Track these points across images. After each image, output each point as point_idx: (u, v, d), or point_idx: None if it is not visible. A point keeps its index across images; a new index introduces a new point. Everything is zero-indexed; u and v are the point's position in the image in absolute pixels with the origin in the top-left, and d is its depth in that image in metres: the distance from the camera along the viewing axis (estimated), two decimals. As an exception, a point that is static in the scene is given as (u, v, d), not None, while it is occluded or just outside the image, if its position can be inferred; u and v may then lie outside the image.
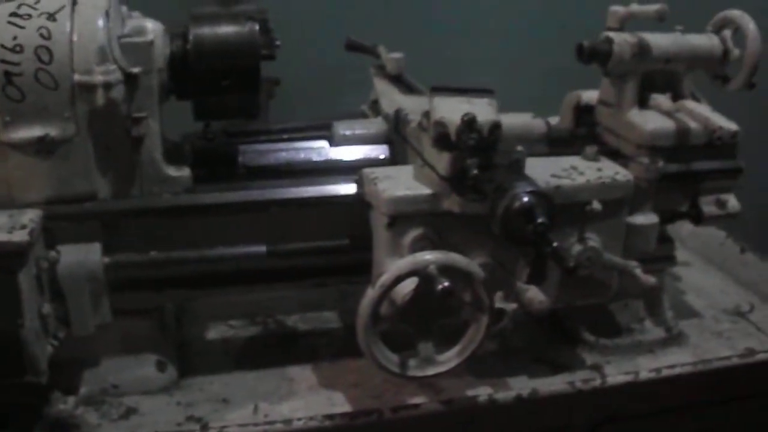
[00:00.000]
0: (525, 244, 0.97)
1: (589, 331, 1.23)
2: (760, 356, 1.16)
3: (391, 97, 1.23)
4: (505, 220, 0.95)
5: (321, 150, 1.18)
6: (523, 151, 1.03)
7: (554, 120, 1.32)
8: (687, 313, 1.31)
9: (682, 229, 1.52)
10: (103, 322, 1.04)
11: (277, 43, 1.07)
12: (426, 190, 1.01)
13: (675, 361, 1.17)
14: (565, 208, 1.05)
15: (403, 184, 1.02)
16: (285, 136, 1.20)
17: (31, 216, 0.96)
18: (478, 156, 0.96)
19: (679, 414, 1.18)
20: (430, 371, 0.99)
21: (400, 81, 1.28)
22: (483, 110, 0.99)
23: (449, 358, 1.00)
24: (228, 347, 1.20)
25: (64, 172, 0.99)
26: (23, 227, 0.93)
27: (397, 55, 1.29)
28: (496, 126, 0.97)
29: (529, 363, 1.18)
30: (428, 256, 0.94)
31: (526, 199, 0.94)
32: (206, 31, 1.02)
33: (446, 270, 0.94)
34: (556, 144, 1.25)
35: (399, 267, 0.93)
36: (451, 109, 0.99)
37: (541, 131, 1.27)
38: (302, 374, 1.14)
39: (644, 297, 1.26)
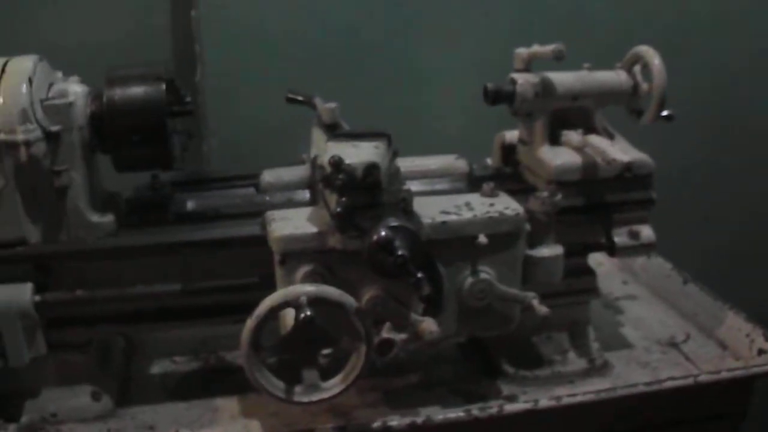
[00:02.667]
0: (392, 277, 1.03)
1: (510, 363, 1.26)
2: (668, 384, 1.17)
3: (319, 145, 1.31)
4: (369, 253, 1.02)
5: (247, 196, 1.27)
6: (409, 190, 1.10)
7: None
8: (619, 344, 1.33)
9: (635, 263, 1.55)
10: (38, 355, 1.15)
11: (188, 100, 1.18)
12: (313, 229, 1.08)
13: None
14: (455, 243, 1.11)
15: (294, 224, 1.10)
16: (219, 185, 1.30)
17: (-36, 260, 1.09)
18: (353, 195, 1.03)
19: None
20: (316, 397, 1.05)
21: (333, 129, 1.36)
22: (363, 153, 1.07)
23: (333, 385, 1.06)
24: (167, 380, 1.30)
25: (-4, 220, 1.12)
26: (-45, 269, 1.06)
27: (331, 105, 1.36)
28: (372, 167, 1.04)
29: (446, 394, 1.22)
30: (300, 289, 1.01)
31: (383, 233, 1.00)
32: (117, 92, 1.14)
33: (318, 301, 1.01)
34: (477, 182, 1.30)
35: (273, 299, 1.01)
36: (334, 153, 1.06)
37: (464, 171, 1.32)
38: (227, 405, 1.22)
39: (568, 329, 1.29)
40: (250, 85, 1.59)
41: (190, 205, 1.26)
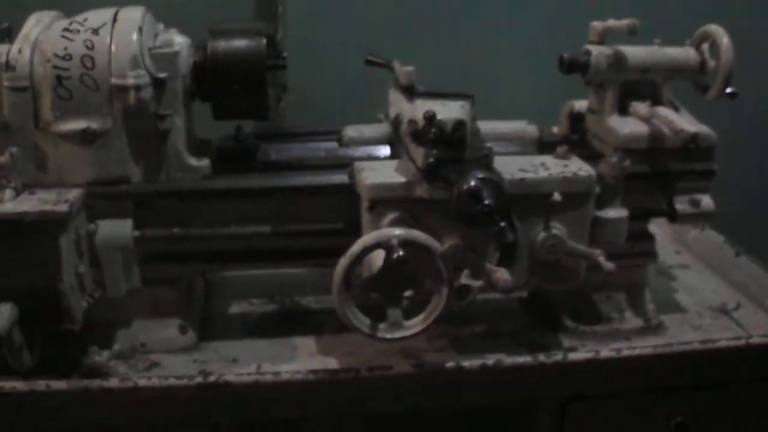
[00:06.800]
0: (478, 225, 1.10)
1: (571, 318, 1.34)
2: (721, 343, 1.24)
3: (398, 105, 1.38)
4: (458, 201, 1.09)
5: (330, 149, 1.35)
6: (491, 148, 1.17)
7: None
8: (673, 308, 1.40)
9: (688, 235, 1.62)
10: (133, 287, 1.23)
11: (284, 54, 1.25)
12: (402, 179, 1.16)
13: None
14: (531, 199, 1.18)
15: (383, 174, 1.17)
16: (299, 139, 1.38)
17: (74, 194, 1.16)
18: (441, 148, 1.11)
19: (645, 396, 1.27)
20: (398, 334, 1.13)
21: (409, 91, 1.42)
22: (451, 110, 1.14)
23: (415, 324, 1.14)
24: (245, 319, 1.38)
25: (103, 158, 1.19)
26: (66, 201, 1.13)
27: (408, 68, 1.42)
28: (460, 123, 1.12)
29: (510, 344, 1.30)
30: (391, 231, 1.09)
31: (473, 183, 1.08)
32: (221, 44, 1.22)
33: (407, 244, 1.08)
34: (547, 147, 1.37)
35: (366, 240, 1.09)
36: (424, 110, 1.13)
37: (534, 136, 1.40)
38: (305, 344, 1.30)
39: (627, 290, 1.36)
40: (327, 46, 1.66)
41: (276, 155, 1.34)
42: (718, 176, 1.32)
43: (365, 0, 1.70)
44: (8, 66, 1.16)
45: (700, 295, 1.45)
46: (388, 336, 1.13)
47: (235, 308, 1.41)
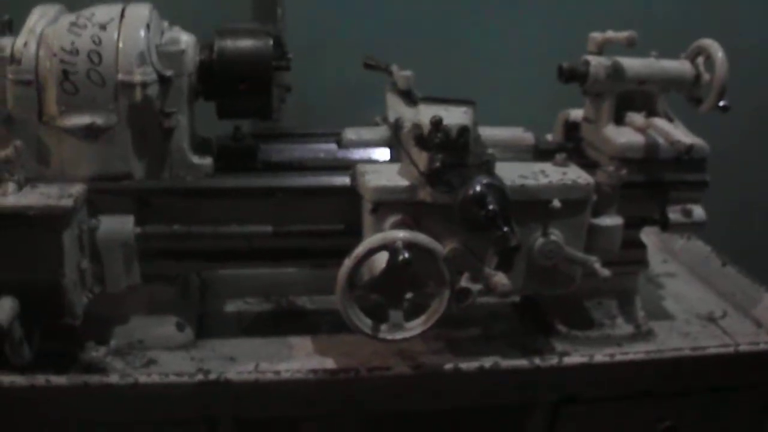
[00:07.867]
0: (481, 229, 1.12)
1: (563, 323, 1.36)
2: (711, 351, 1.27)
3: (397, 109, 1.40)
4: (462, 205, 1.11)
5: (330, 150, 1.36)
6: (493, 154, 1.19)
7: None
8: (661, 315, 1.43)
9: (675, 244, 1.65)
10: (133, 283, 1.23)
11: (289, 56, 1.26)
12: (405, 182, 1.17)
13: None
14: (530, 205, 1.20)
15: (386, 177, 1.19)
16: (298, 140, 1.39)
17: (77, 189, 1.16)
18: (445, 153, 1.13)
19: (637, 401, 1.30)
20: (399, 336, 1.15)
21: (408, 95, 1.44)
22: (455, 116, 1.16)
23: (415, 326, 1.15)
24: (241, 318, 1.39)
25: (106, 154, 1.19)
26: (69, 196, 1.13)
27: (406, 73, 1.44)
28: (464, 129, 1.13)
29: (504, 347, 1.32)
30: (396, 234, 1.10)
31: (478, 188, 1.10)
32: (228, 43, 1.22)
33: (411, 246, 1.10)
34: (542, 155, 1.39)
35: (371, 241, 1.10)
36: (429, 114, 1.15)
37: (530, 143, 1.42)
38: (302, 343, 1.31)
39: (618, 297, 1.39)
40: (324, 48, 1.68)
41: (276, 155, 1.34)
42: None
43: (364, 3, 1.72)
44: (13, 59, 1.16)
45: (687, 303, 1.48)
46: (389, 337, 1.15)
47: (231, 306, 1.42)
